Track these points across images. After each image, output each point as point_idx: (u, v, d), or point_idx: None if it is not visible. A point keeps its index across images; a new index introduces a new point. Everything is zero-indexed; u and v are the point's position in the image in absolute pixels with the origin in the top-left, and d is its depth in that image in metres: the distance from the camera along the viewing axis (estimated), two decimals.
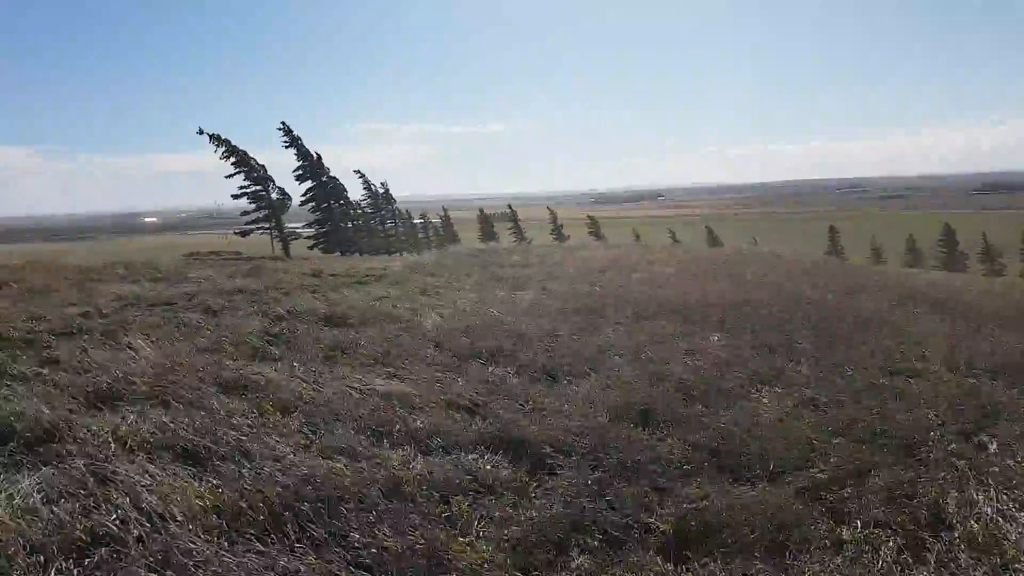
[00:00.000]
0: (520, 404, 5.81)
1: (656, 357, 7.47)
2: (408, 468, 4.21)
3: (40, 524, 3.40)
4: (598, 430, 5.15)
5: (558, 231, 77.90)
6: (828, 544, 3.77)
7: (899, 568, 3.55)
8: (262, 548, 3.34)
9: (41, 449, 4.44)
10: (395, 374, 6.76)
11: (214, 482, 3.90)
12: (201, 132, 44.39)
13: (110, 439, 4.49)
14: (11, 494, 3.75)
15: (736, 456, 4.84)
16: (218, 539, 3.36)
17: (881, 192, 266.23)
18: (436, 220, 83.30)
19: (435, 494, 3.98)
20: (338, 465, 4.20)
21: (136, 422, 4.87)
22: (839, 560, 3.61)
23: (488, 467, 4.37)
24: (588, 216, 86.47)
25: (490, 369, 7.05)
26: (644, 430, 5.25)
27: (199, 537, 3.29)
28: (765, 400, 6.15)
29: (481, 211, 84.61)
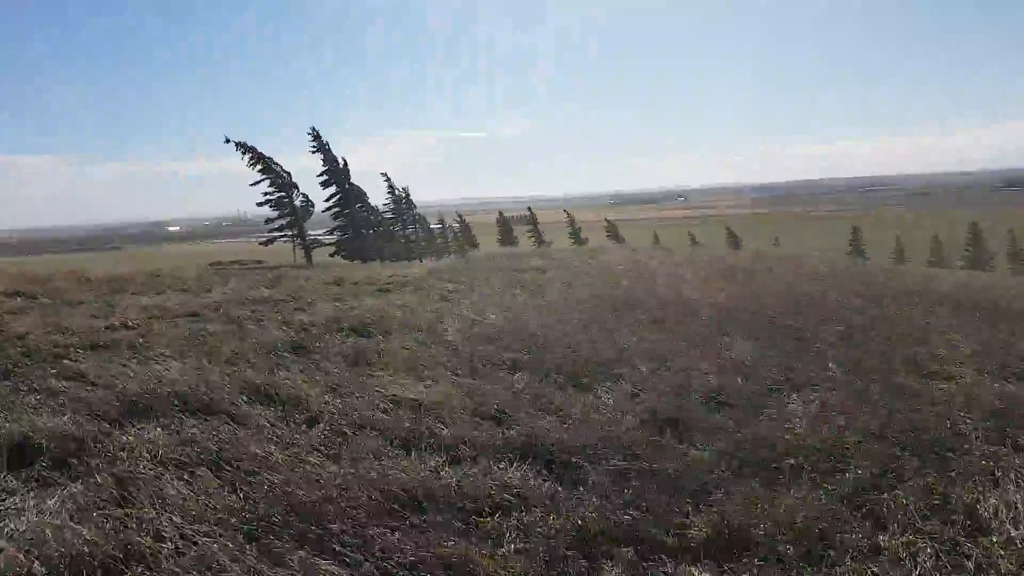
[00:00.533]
0: (547, 412, 5.76)
1: (682, 363, 7.39)
2: (437, 478, 4.18)
3: (69, 542, 3.42)
4: (627, 438, 5.09)
5: (576, 234, 77.70)
6: (866, 551, 3.69)
7: (938, 575, 3.47)
8: (292, 560, 3.33)
9: (69, 465, 4.47)
10: (420, 382, 6.75)
11: (243, 494, 3.90)
12: (228, 141, 44.95)
13: (139, 454, 4.52)
14: (41, 511, 3.78)
15: (769, 463, 4.76)
16: (248, 552, 3.35)
17: (894, 190, 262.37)
18: (455, 225, 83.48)
19: (465, 505, 3.94)
20: (367, 476, 4.19)
21: (164, 435, 4.90)
22: (876, 568, 3.54)
23: (517, 477, 4.33)
24: (606, 219, 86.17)
25: (515, 376, 7.02)
26: (673, 437, 5.18)
27: (231, 549, 3.29)
28: (795, 405, 6.06)
29: (500, 215, 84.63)
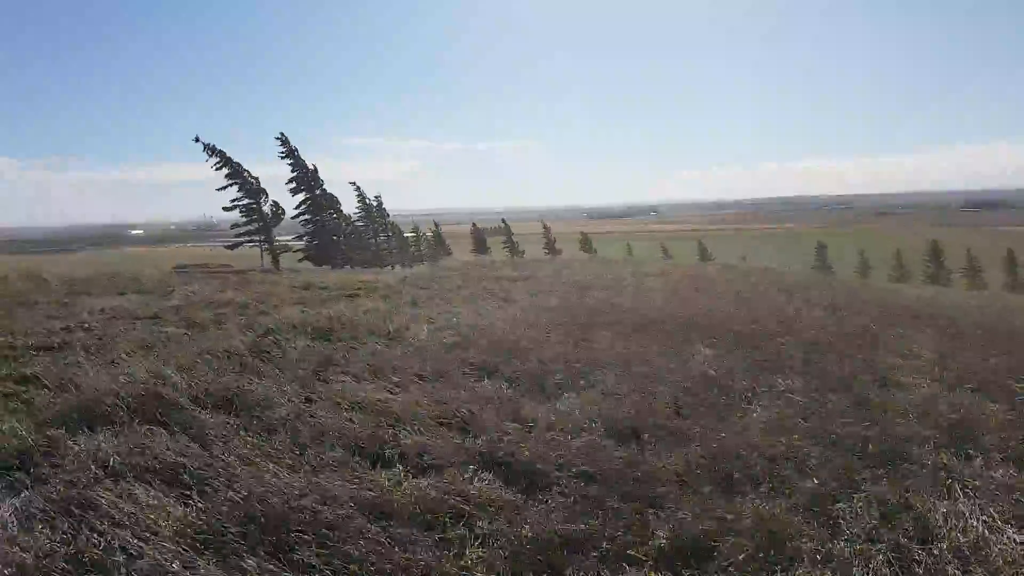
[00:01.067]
0: (514, 419, 5.74)
1: (647, 371, 7.44)
2: (399, 488, 4.12)
3: (19, 551, 3.29)
4: (592, 446, 5.09)
5: (551, 245, 78.11)
6: (819, 558, 3.74)
7: None
8: (250, 572, 3.24)
9: (19, 472, 4.33)
10: (385, 389, 6.68)
11: (200, 504, 3.80)
12: (197, 140, 44.37)
13: (91, 462, 4.38)
14: None
15: (730, 471, 4.80)
16: (204, 563, 3.26)
17: (858, 210, 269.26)
18: (428, 234, 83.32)
19: (428, 516, 3.89)
20: (327, 485, 4.11)
21: (119, 443, 4.76)
22: (828, 574, 3.59)
23: (482, 486, 4.29)
24: (580, 231, 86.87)
25: (483, 383, 6.98)
26: (638, 445, 5.20)
27: (185, 561, 3.19)
28: (756, 415, 6.13)
29: (474, 225, 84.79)
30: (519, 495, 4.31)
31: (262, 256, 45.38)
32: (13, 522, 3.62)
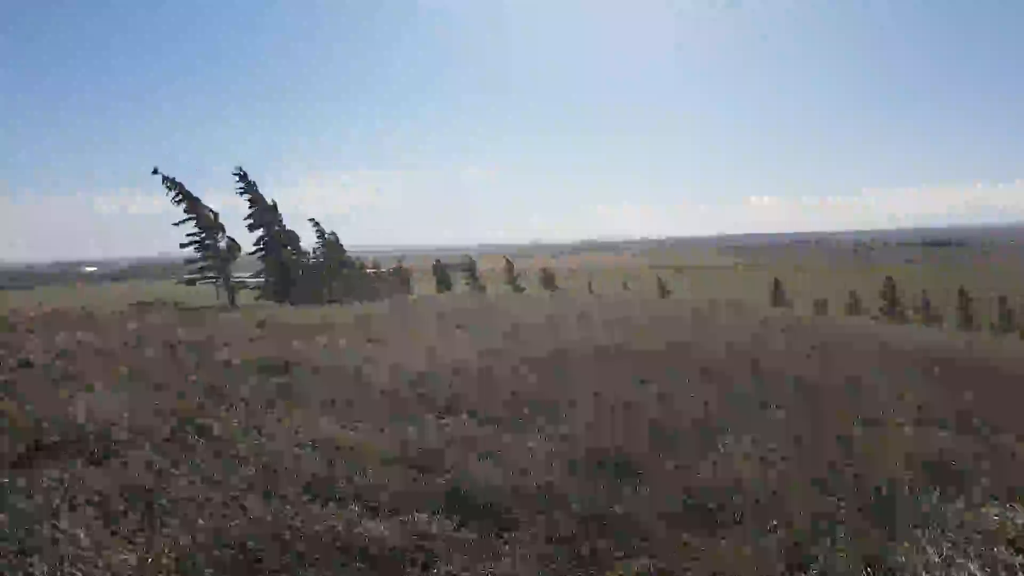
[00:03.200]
0: (479, 456, 5.53)
1: (622, 406, 7.32)
2: (352, 531, 3.86)
3: None
4: (562, 481, 4.91)
5: (514, 281, 78.37)
6: None
7: None
8: None
9: None
10: (340, 425, 6.41)
11: (157, 540, 3.50)
12: (155, 172, 43.32)
13: (42, 498, 4.05)
14: None
15: (707, 508, 4.66)
16: None
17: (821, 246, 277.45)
18: (387, 271, 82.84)
19: (386, 556, 3.65)
20: (274, 524, 3.84)
21: (71, 479, 4.44)
22: None
23: (442, 526, 4.06)
24: (542, 269, 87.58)
25: (446, 419, 6.77)
26: (613, 480, 5.04)
27: None
28: (736, 449, 6.02)
29: (437, 261, 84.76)
30: (483, 535, 4.09)
31: (218, 293, 44.31)
32: None
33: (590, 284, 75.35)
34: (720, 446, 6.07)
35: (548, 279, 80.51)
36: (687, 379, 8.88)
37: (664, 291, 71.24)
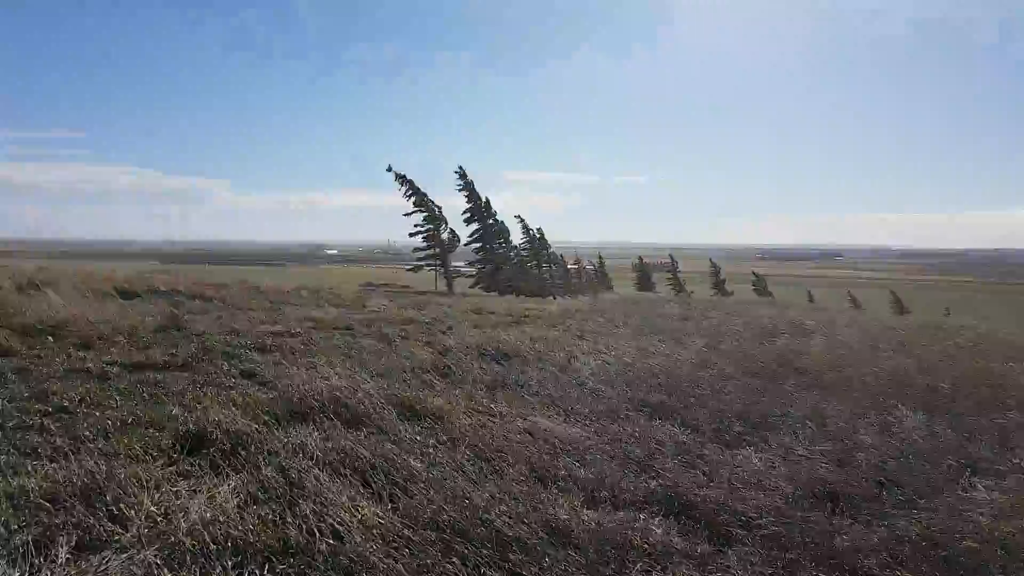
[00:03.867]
0: (691, 465, 5.46)
1: (843, 432, 6.76)
2: (577, 518, 4.05)
3: (236, 528, 3.64)
4: (778, 504, 4.69)
5: (720, 285, 74.99)
6: None
7: None
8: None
9: (237, 456, 4.81)
10: (556, 417, 6.68)
11: (392, 505, 3.99)
12: (389, 170, 48.39)
13: (298, 453, 4.80)
14: (213, 495, 4.08)
15: (943, 554, 4.17)
16: (400, 559, 3.39)
17: None
18: (590, 267, 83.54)
19: (608, 550, 3.77)
20: (504, 506, 4.14)
21: (320, 439, 5.19)
22: None
23: (661, 530, 4.09)
24: (753, 272, 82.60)
25: (654, 423, 6.75)
26: (833, 511, 4.70)
27: (380, 558, 3.35)
28: (978, 494, 5.29)
29: (639, 259, 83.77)
30: (703, 544, 4.05)
31: (436, 280, 48.27)
32: (232, 500, 4.01)
33: (810, 293, 69.40)
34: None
35: (761, 285, 75.73)
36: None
37: (900, 307, 63.36)
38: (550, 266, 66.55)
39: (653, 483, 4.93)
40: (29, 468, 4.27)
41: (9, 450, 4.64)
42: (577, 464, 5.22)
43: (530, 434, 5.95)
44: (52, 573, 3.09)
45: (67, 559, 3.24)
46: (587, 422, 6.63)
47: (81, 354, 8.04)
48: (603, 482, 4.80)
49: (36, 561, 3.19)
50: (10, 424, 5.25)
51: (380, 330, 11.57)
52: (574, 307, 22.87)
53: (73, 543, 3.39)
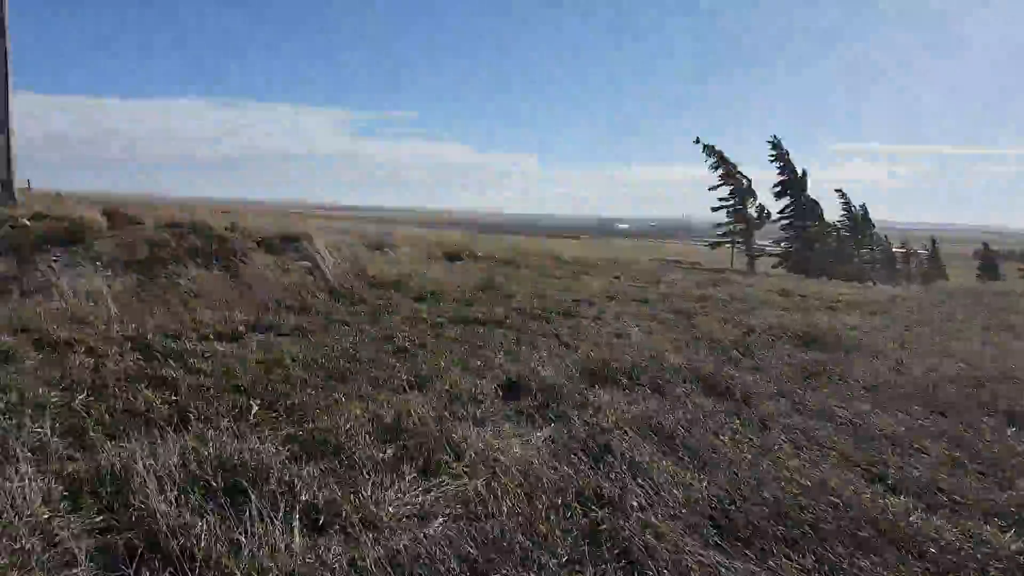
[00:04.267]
0: None
1: None
2: (905, 520, 3.55)
3: (550, 471, 3.93)
4: None
5: None
6: None
7: None
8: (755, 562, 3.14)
9: (548, 408, 5.19)
10: (884, 412, 5.89)
11: (705, 479, 3.93)
12: (697, 141, 47.14)
13: (607, 411, 5.01)
14: (529, 439, 4.48)
15: None
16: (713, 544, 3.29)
17: None
18: (921, 251, 72.10)
19: (947, 560, 3.23)
20: (835, 492, 3.80)
21: (624, 401, 5.35)
22: None
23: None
24: None
25: (1010, 431, 5.56)
26: None
27: (696, 540, 3.28)
28: None
29: (985, 246, 70.19)
30: None
31: (732, 258, 45.85)
32: (545, 447, 4.35)
33: None
34: None
35: None
36: None
37: None
38: (871, 248, 59.15)
39: (1007, 493, 4.09)
40: (379, 397, 5.09)
41: (362, 382, 5.59)
42: (912, 464, 4.54)
43: (856, 427, 5.34)
44: (401, 488, 3.63)
45: (413, 478, 3.78)
46: (916, 418, 5.71)
47: (417, 305, 9.47)
48: (938, 487, 4.11)
49: (389, 478, 3.72)
50: (365, 358, 6.36)
51: (675, 305, 11.48)
52: (899, 295, 20.02)
53: (420, 465, 3.95)
